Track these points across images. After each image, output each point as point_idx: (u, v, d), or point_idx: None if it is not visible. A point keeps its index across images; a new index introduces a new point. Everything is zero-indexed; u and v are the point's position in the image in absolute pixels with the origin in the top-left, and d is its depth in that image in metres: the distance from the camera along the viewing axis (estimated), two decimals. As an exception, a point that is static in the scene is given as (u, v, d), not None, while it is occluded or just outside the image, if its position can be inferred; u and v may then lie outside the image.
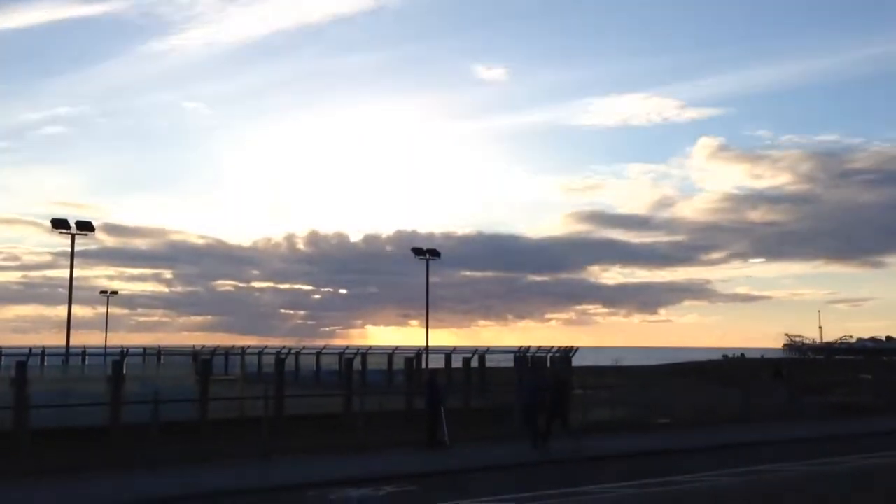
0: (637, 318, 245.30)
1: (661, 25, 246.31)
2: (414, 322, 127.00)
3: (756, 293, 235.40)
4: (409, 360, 42.67)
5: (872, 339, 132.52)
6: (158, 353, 66.45)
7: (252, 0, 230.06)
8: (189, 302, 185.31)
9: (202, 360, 39.11)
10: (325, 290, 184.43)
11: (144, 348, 74.29)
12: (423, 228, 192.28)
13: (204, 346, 68.14)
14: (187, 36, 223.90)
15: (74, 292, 46.59)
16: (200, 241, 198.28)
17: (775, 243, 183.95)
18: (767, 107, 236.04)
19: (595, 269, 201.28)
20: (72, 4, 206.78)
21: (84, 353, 60.88)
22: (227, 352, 59.65)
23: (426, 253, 51.52)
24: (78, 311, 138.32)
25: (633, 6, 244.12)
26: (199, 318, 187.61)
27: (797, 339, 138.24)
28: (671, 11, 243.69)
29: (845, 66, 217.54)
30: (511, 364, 52.52)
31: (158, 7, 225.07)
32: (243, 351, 57.57)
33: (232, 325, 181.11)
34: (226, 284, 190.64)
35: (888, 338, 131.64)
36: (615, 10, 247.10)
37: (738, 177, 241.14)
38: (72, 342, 48.17)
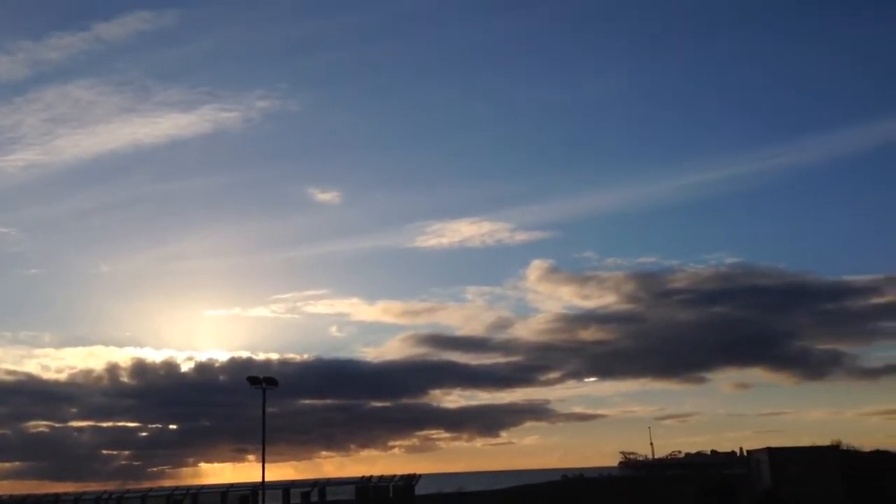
0: (479, 442, 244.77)
1: (488, 154, 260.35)
2: (251, 457, 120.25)
3: (591, 411, 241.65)
4: (244, 498, 40.26)
5: (699, 454, 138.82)
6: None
7: (83, 122, 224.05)
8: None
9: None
10: (153, 426, 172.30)
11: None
12: (259, 355, 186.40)
13: (12, 496, 61.32)
14: (7, 159, 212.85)
15: None
16: (9, 378, 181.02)
17: (606, 362, 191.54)
18: (591, 231, 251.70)
19: (436, 392, 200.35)
20: None
21: None
22: (38, 500, 53.91)
23: (262, 382, 49.50)
24: None
25: (455, 134, 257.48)
26: (6, 465, 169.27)
27: (631, 455, 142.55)
28: (494, 142, 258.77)
29: (661, 194, 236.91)
30: (353, 496, 50.66)
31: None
32: (56, 498, 52.22)
33: (46, 470, 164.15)
34: (39, 425, 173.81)
35: (713, 451, 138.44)
36: (442, 138, 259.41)
37: (568, 297, 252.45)
38: None
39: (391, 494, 50.31)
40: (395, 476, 53.62)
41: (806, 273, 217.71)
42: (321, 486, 47.43)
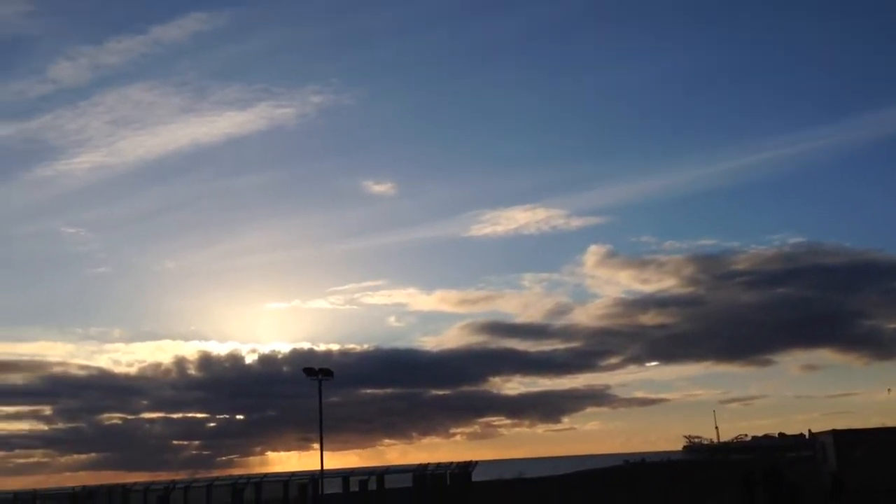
0: (541, 428, 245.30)
1: (540, 141, 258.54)
2: (315, 445, 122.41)
3: (653, 396, 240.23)
4: (302, 487, 41.01)
5: (766, 437, 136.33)
6: (33, 497, 61.42)
7: (145, 124, 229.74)
8: (72, 439, 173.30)
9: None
10: (221, 416, 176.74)
11: (15, 493, 68.54)
12: (319, 346, 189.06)
13: (85, 487, 63.53)
14: (74, 161, 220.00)
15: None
16: (82, 373, 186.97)
17: (667, 346, 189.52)
18: (649, 214, 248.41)
19: (496, 380, 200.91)
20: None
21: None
22: (110, 490, 55.67)
23: (318, 373, 50.12)
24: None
25: (506, 122, 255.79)
26: (83, 456, 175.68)
27: (696, 439, 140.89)
28: (546, 128, 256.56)
29: (718, 175, 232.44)
30: (410, 484, 51.19)
31: (45, 132, 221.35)
32: (124, 489, 53.86)
33: (120, 461, 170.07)
34: (112, 417, 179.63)
35: (780, 434, 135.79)
36: (494, 126, 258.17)
37: (627, 281, 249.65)
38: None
39: (448, 482, 50.67)
40: (451, 463, 53.93)
41: (873, 251, 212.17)
42: (379, 473, 47.99)
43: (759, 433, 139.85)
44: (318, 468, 47.55)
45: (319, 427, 50.24)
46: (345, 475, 51.57)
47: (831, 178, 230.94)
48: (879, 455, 46.84)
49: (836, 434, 49.04)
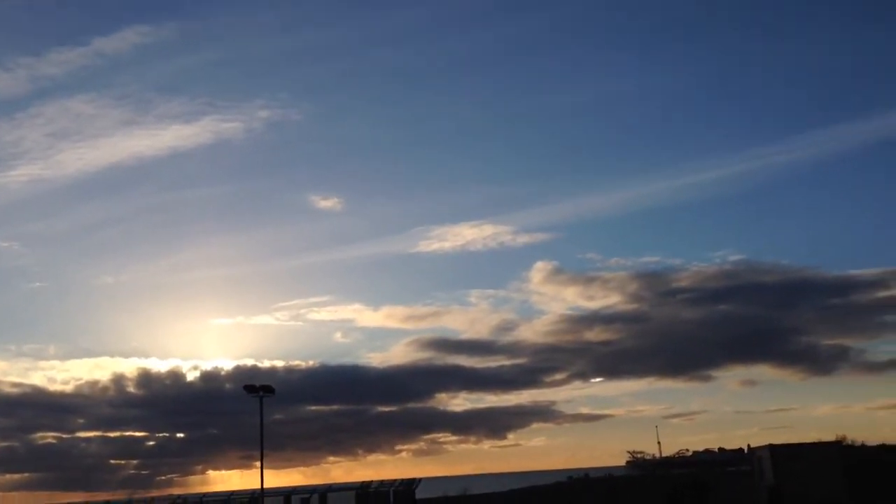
0: (487, 444, 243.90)
1: (488, 157, 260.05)
2: (258, 463, 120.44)
3: (598, 412, 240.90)
4: (242, 506, 40.25)
5: (706, 451, 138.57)
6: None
7: (84, 137, 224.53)
8: (4, 458, 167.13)
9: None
10: (160, 435, 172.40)
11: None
12: (264, 362, 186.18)
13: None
14: (10, 174, 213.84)
15: None
16: (15, 391, 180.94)
17: (612, 362, 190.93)
18: (595, 231, 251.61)
19: (442, 396, 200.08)
20: None
21: None
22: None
23: (259, 390, 49.38)
24: None
25: (455, 138, 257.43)
26: (16, 476, 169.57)
27: (639, 455, 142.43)
28: (494, 145, 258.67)
29: (662, 193, 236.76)
30: (353, 501, 50.64)
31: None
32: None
33: (55, 481, 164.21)
34: (46, 436, 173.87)
35: (720, 449, 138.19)
36: (442, 143, 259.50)
37: (572, 298, 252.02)
38: None
39: (391, 499, 50.23)
40: (395, 480, 53.51)
41: (810, 268, 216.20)
42: (321, 491, 47.34)
43: (700, 448, 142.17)
44: (258, 487, 46.77)
45: (260, 444, 49.47)
46: (286, 493, 50.83)
47: (771, 196, 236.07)
48: (815, 469, 47.90)
49: (772, 448, 49.97)
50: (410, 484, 53.25)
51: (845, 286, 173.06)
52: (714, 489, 30.15)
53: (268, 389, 49.32)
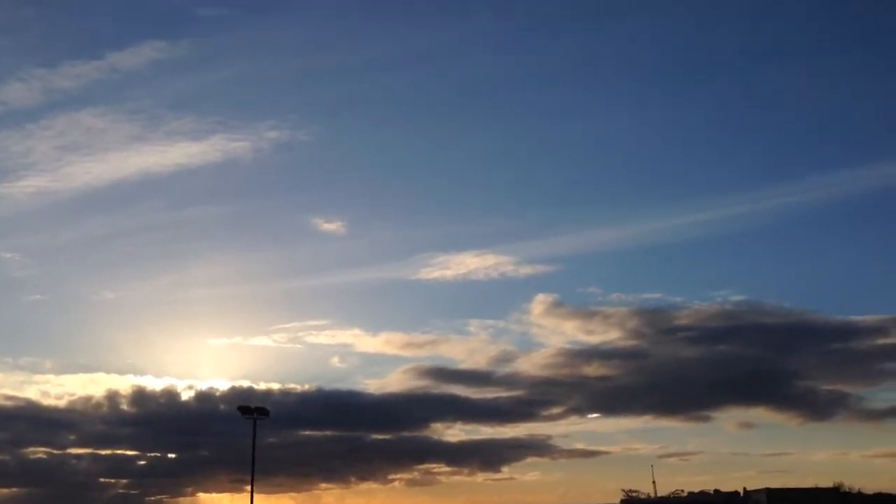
0: (480, 477, 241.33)
1: (494, 187, 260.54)
2: (248, 487, 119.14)
3: (593, 448, 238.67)
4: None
5: (702, 493, 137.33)
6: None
7: (93, 150, 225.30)
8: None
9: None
10: (152, 454, 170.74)
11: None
12: (260, 384, 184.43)
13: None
14: (17, 184, 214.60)
15: None
16: (9, 404, 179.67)
17: (609, 398, 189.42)
18: (597, 266, 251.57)
19: (438, 425, 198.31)
20: None
21: None
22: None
23: (254, 412, 49.06)
24: None
25: (461, 167, 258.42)
26: (4, 491, 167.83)
27: (633, 493, 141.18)
28: (501, 175, 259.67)
29: (667, 230, 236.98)
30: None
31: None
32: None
33: (43, 497, 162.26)
34: (37, 451, 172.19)
35: (716, 491, 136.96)
36: (449, 171, 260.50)
37: (572, 332, 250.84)
38: None
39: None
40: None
41: (812, 312, 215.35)
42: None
43: (696, 489, 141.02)
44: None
45: (252, 466, 48.99)
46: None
47: (776, 238, 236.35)
48: (811, 515, 47.44)
49: (770, 492, 49.61)
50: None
51: (846, 331, 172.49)
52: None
53: (262, 412, 49.05)
